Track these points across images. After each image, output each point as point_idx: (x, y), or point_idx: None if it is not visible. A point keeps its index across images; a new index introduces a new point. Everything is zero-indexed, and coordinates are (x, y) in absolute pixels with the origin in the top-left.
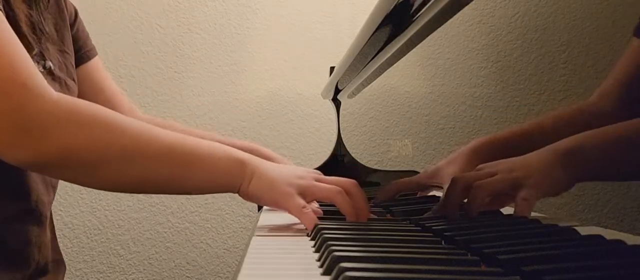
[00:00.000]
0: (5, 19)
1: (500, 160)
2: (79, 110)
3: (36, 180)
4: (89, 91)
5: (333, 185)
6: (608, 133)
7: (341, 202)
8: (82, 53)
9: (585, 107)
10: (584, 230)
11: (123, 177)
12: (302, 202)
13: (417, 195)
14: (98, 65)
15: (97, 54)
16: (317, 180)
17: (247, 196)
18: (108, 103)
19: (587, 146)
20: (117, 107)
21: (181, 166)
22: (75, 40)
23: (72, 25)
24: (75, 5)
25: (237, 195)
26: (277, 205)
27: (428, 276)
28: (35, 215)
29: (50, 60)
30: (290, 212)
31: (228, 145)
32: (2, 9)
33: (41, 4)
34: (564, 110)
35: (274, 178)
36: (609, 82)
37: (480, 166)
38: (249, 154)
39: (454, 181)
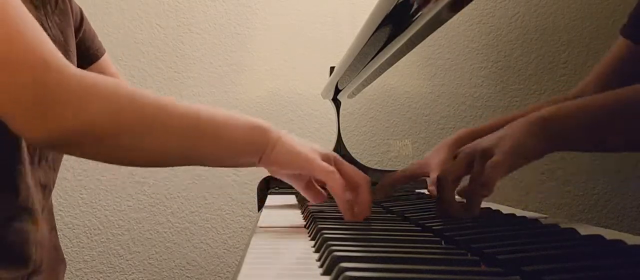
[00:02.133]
0: (21, 4)
1: (476, 140)
2: (99, 84)
3: (26, 178)
4: None
5: (347, 174)
6: (583, 103)
7: (335, 184)
8: (91, 52)
9: (568, 97)
10: (584, 230)
11: (145, 149)
12: (328, 165)
13: (415, 193)
14: (107, 63)
15: (105, 52)
16: (336, 161)
17: (269, 162)
18: None
19: (559, 115)
20: None
21: (205, 135)
22: (83, 41)
23: (79, 28)
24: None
25: (237, 195)
26: (303, 169)
27: (428, 276)
28: (28, 213)
29: None
30: (317, 175)
31: None
32: None
33: (48, 7)
34: (547, 101)
35: (297, 145)
36: (590, 79)
37: (457, 151)
38: (269, 123)
39: (440, 179)
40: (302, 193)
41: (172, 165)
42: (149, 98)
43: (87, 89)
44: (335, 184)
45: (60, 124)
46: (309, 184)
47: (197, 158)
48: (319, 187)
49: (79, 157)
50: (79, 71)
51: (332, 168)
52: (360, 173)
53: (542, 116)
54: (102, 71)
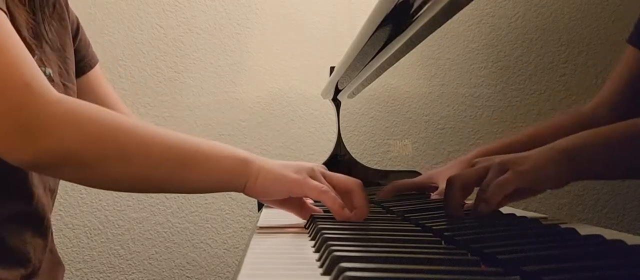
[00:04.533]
0: (8, 21)
1: (494, 156)
2: (80, 111)
3: (36, 182)
4: (90, 101)
5: (337, 183)
6: (604, 134)
7: (332, 204)
8: (83, 63)
9: (583, 113)
10: (584, 230)
11: (125, 176)
12: (319, 183)
13: (417, 195)
14: (98, 74)
15: (98, 62)
16: (323, 174)
17: (254, 193)
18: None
19: (583, 146)
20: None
21: (184, 165)
22: (78, 50)
23: (75, 36)
24: (75, 4)
25: (237, 195)
26: (293, 192)
27: (428, 276)
28: (34, 217)
29: (50, 67)
30: (309, 195)
31: None
32: (6, 12)
33: (46, 10)
34: (563, 117)
35: (281, 170)
36: (605, 90)
37: (475, 161)
38: (251, 154)
39: (449, 182)
40: (298, 215)
41: (154, 192)
42: (130, 126)
43: (68, 115)
44: (330, 203)
45: (41, 149)
46: (303, 206)
47: (179, 187)
48: (312, 205)
49: (67, 181)
50: (61, 97)
51: (324, 186)
52: (350, 178)
53: (567, 147)
54: (91, 83)
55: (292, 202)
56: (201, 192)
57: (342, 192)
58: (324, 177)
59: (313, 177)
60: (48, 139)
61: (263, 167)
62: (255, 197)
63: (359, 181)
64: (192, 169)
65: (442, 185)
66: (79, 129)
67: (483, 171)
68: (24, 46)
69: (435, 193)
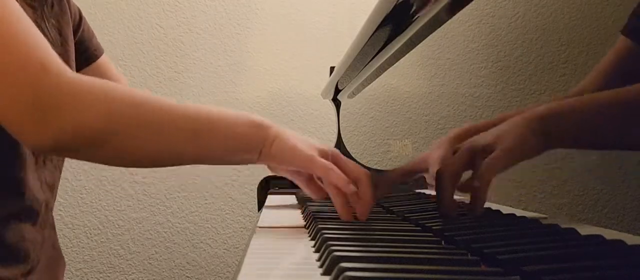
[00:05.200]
0: (19, 6)
1: (475, 136)
2: (95, 88)
3: (31, 178)
4: None
5: (347, 169)
6: (582, 101)
7: (336, 179)
8: (89, 53)
9: (568, 95)
10: (584, 230)
11: (144, 150)
12: (327, 162)
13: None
14: (106, 63)
15: (103, 52)
16: (335, 157)
17: (269, 159)
18: None
19: (559, 112)
20: None
21: (202, 133)
22: (81, 41)
23: (77, 29)
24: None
25: (237, 195)
26: (301, 165)
27: (428, 276)
28: (30, 212)
29: None
30: (315, 172)
31: None
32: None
33: (46, 8)
34: (547, 100)
35: (295, 141)
36: (591, 75)
37: (456, 146)
38: (266, 119)
39: (438, 176)
40: (304, 189)
41: (173, 165)
42: (146, 99)
43: (83, 93)
44: (334, 178)
45: (58, 128)
46: (311, 180)
47: (196, 156)
48: (320, 184)
49: (80, 159)
50: (76, 75)
51: (331, 165)
52: (360, 168)
53: (542, 113)
54: (102, 71)
55: (302, 174)
56: (222, 161)
57: (351, 181)
58: (335, 161)
59: (324, 157)
60: (66, 117)
61: (279, 134)
62: (268, 163)
63: (368, 172)
64: (211, 135)
65: (432, 169)
66: (95, 105)
67: (468, 155)
68: (36, 28)
69: (428, 178)
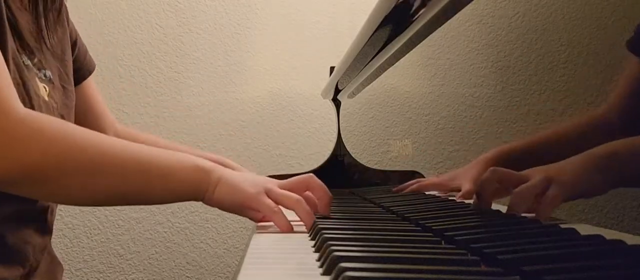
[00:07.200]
0: None
1: (536, 168)
2: (43, 127)
3: None
4: (81, 109)
5: (293, 187)
6: None
7: (301, 210)
8: (83, 71)
9: (596, 116)
10: (584, 230)
11: (88, 192)
12: (272, 202)
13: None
14: (91, 84)
15: (93, 70)
16: (279, 186)
17: (212, 203)
18: (98, 120)
19: (622, 152)
20: (104, 122)
21: (146, 177)
22: (77, 58)
23: (74, 45)
24: (75, 4)
25: None
26: (245, 206)
27: (428, 276)
28: (37, 215)
29: (50, 69)
30: (262, 211)
31: (196, 156)
32: None
33: (50, 16)
34: (577, 120)
35: (239, 182)
36: (612, 95)
37: (514, 172)
38: (213, 163)
39: (492, 171)
40: (255, 221)
41: (119, 205)
42: (92, 141)
43: (31, 133)
44: (279, 223)
45: (2, 167)
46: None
47: (139, 199)
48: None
49: (32, 197)
50: (26, 112)
51: (276, 207)
52: (303, 176)
53: (608, 153)
54: (84, 93)
55: (256, 211)
56: (167, 202)
57: (302, 191)
58: (281, 187)
59: (269, 194)
60: (11, 156)
61: (222, 177)
62: (213, 206)
63: (311, 174)
64: (155, 180)
65: (465, 188)
66: (41, 145)
67: (524, 178)
68: None
69: (458, 195)
